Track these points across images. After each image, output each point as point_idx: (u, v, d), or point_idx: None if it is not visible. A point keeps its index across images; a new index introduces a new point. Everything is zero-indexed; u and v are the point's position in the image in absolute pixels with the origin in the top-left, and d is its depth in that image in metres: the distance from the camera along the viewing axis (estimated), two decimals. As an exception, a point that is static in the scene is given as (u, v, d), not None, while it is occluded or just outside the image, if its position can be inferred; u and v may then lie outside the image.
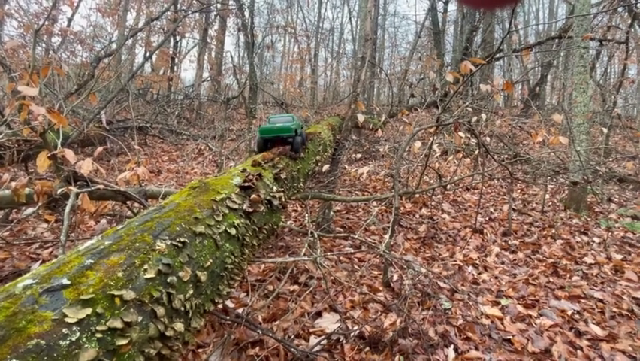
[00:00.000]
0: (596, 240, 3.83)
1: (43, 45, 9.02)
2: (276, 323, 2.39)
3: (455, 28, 13.73)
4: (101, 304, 0.77)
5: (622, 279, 3.06)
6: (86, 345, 0.71)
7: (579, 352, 2.22)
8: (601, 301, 2.73)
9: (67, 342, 0.68)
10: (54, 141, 2.31)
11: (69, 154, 1.94)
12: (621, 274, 3.15)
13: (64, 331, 0.70)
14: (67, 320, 0.71)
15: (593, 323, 2.47)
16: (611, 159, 6.18)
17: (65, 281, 0.78)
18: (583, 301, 2.74)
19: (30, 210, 2.56)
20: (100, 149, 2.06)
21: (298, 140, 2.42)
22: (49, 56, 9.14)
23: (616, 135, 8.93)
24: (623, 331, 2.40)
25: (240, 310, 2.37)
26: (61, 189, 1.79)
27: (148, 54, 8.86)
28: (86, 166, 1.93)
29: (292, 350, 2.06)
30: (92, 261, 0.87)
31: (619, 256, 3.43)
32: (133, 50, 10.88)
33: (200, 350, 2.16)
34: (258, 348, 2.16)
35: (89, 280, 0.81)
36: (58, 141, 2.09)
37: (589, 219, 4.43)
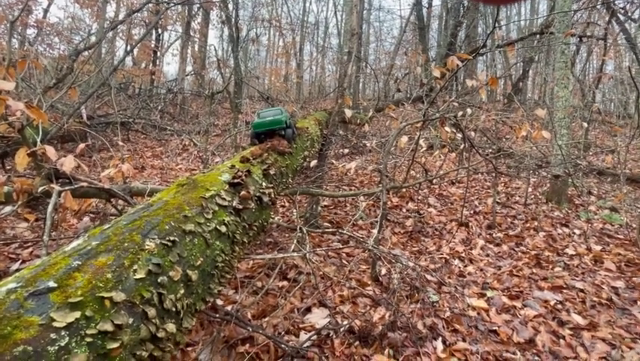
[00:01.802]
0: (577, 231, 3.94)
1: (19, 37, 8.69)
2: (266, 319, 2.39)
3: (440, 24, 13.84)
4: (90, 307, 0.75)
5: (601, 269, 3.16)
6: (76, 350, 0.69)
7: (562, 341, 2.28)
8: (582, 291, 2.82)
9: (56, 347, 0.66)
10: (33, 137, 2.23)
11: (50, 151, 1.88)
12: (600, 264, 3.25)
13: (53, 336, 0.67)
14: (55, 324, 0.68)
15: (575, 313, 2.54)
16: (590, 153, 6.36)
17: (52, 284, 0.75)
18: (565, 291, 2.82)
19: (9, 208, 2.48)
20: (82, 145, 2.00)
21: (289, 132, 2.49)
22: (25, 48, 8.82)
23: (594, 130, 9.18)
24: (603, 319, 2.48)
25: (229, 308, 2.35)
26: (42, 188, 1.73)
27: (129, 47, 8.63)
28: (68, 163, 1.87)
29: (282, 346, 2.06)
30: (80, 262, 0.84)
31: (598, 247, 3.54)
32: (113, 43, 10.59)
33: (189, 349, 2.13)
34: (248, 345, 2.15)
35: (77, 283, 0.78)
36: (38, 137, 2.02)
37: (569, 211, 4.55)
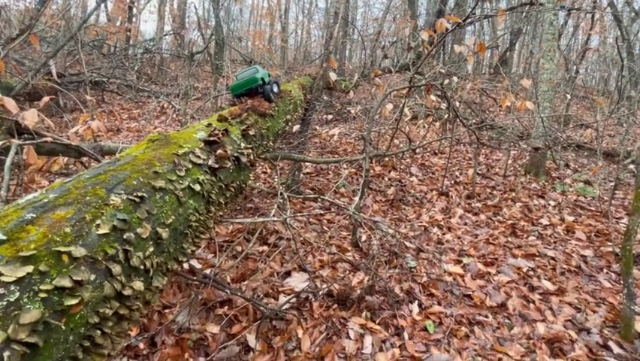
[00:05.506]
0: (552, 203, 4.05)
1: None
2: (245, 282, 2.38)
3: (430, -10, 13.41)
4: (45, 262, 0.69)
5: (572, 239, 3.27)
6: (28, 305, 0.63)
7: (531, 305, 2.38)
8: (553, 259, 2.92)
9: (4, 303, 0.61)
10: (-8, 89, 2.07)
11: (9, 103, 1.74)
12: (572, 234, 3.36)
13: (1, 291, 0.61)
14: (3, 278, 0.62)
15: (545, 279, 2.64)
16: (570, 127, 6.45)
17: (0, 237, 0.68)
18: (537, 259, 2.92)
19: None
20: (46, 98, 1.86)
21: (267, 88, 2.38)
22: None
23: (575, 104, 9.30)
24: (571, 285, 2.59)
25: (207, 271, 2.33)
26: (1, 143, 1.61)
27: None
28: (30, 117, 1.74)
29: (261, 308, 2.06)
30: (34, 215, 0.77)
31: (571, 218, 3.65)
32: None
33: (166, 311, 2.12)
34: (226, 307, 2.15)
35: (30, 236, 0.72)
36: (-3, 88, 1.86)
37: (546, 183, 4.66)
